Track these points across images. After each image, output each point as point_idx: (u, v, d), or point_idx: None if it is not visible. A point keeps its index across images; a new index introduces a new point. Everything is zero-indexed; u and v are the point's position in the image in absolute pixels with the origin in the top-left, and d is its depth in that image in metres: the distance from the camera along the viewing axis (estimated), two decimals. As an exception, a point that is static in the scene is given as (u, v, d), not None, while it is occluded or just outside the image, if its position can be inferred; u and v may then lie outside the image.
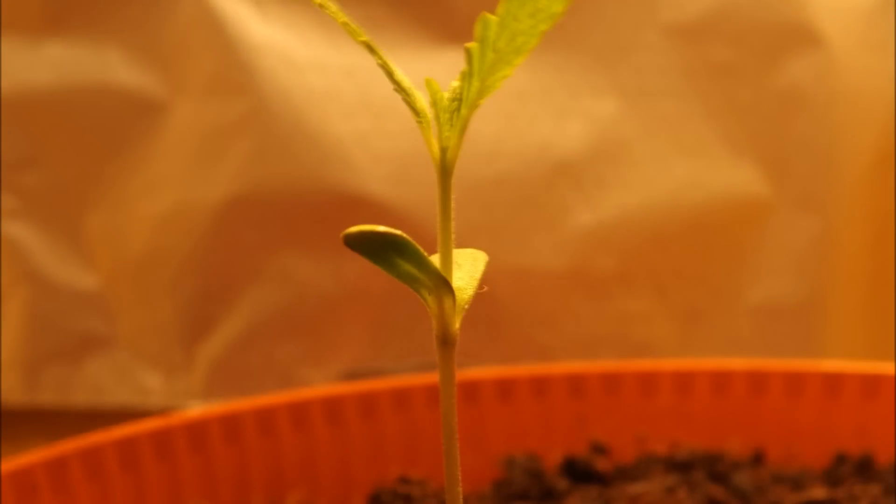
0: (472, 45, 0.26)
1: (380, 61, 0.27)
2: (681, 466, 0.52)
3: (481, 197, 0.69)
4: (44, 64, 0.69)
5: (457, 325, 0.27)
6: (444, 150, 0.28)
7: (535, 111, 0.70)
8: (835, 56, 0.70)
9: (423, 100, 0.28)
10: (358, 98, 0.69)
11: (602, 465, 0.53)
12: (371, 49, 0.27)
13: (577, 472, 0.52)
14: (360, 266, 0.69)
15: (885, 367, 0.54)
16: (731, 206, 0.71)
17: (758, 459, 0.54)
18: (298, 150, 0.68)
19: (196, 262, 0.70)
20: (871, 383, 0.53)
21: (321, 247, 0.69)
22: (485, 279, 0.29)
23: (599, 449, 0.54)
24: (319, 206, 0.69)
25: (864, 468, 0.52)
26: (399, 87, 0.28)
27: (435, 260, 0.27)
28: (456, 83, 0.27)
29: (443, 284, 0.27)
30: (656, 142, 0.70)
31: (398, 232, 0.26)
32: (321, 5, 0.28)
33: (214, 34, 0.68)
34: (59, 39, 0.69)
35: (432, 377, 0.53)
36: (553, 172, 0.70)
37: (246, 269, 0.70)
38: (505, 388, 0.54)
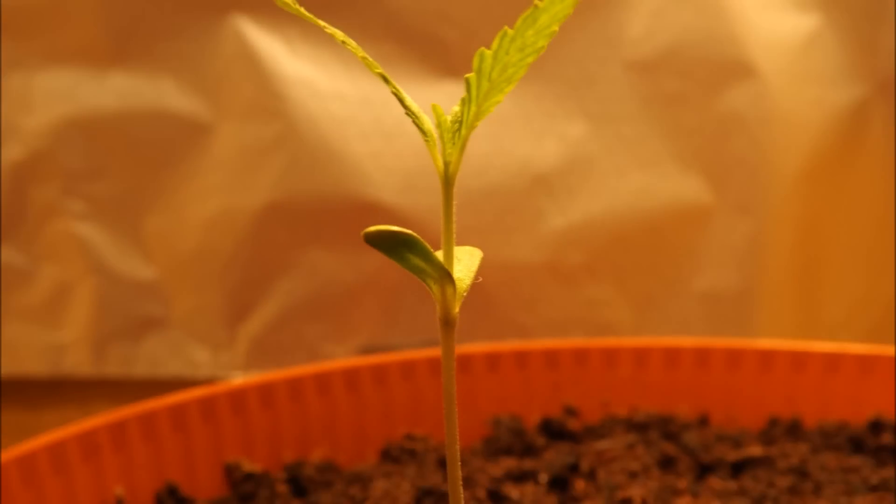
0: (470, 75, 0.26)
1: (393, 90, 0.27)
2: (639, 427, 0.51)
3: (473, 203, 0.69)
4: (109, 91, 0.68)
5: (457, 309, 0.27)
6: (447, 164, 0.27)
7: (517, 133, 0.69)
8: (767, 86, 0.69)
9: (429, 122, 0.28)
10: (372, 123, 0.68)
11: (573, 425, 0.52)
12: (385, 79, 0.27)
13: (553, 430, 0.51)
14: (374, 260, 0.69)
15: (810, 345, 0.53)
16: (679, 211, 0.70)
17: (703, 422, 0.53)
18: (323, 165, 0.68)
19: (238, 257, 0.70)
20: (799, 359, 0.53)
21: (342, 244, 0.69)
22: (476, 271, 0.28)
23: (571, 412, 0.53)
24: (340, 211, 0.68)
25: (794, 430, 0.51)
26: (409, 112, 0.27)
27: (439, 255, 0.27)
28: (457, 108, 0.27)
29: (445, 275, 0.26)
30: (617, 158, 0.70)
31: (409, 231, 0.25)
32: (343, 42, 0.28)
33: (252, 68, 0.68)
34: (122, 71, 0.68)
35: (434, 352, 0.52)
36: (532, 184, 0.69)
37: (279, 263, 0.70)
38: (492, 360, 0.53)
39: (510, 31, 0.26)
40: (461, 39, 0.67)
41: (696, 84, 0.69)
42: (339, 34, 0.27)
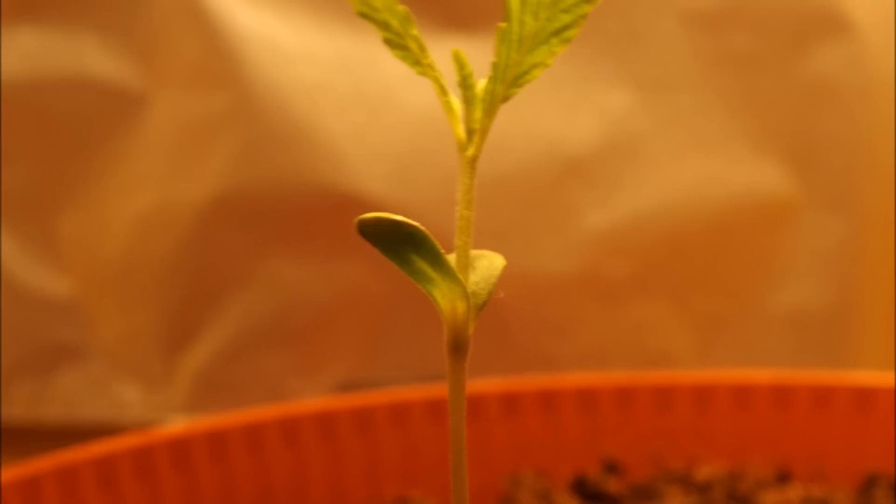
0: (502, 24, 0.26)
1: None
2: (699, 486, 0.52)
3: (485, 196, 0.68)
4: (13, 53, 0.68)
5: (470, 330, 0.27)
6: (470, 133, 0.27)
7: (543, 104, 0.70)
8: (866, 44, 0.70)
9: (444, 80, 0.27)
10: (351, 91, 0.69)
11: (614, 484, 0.52)
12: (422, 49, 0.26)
13: (588, 491, 0.52)
14: (354, 270, 0.69)
15: (919, 380, 0.54)
16: (753, 207, 0.71)
17: (782, 479, 0.54)
18: (287, 146, 0.68)
19: (178, 267, 0.70)
20: (905, 397, 0.53)
21: (312, 250, 0.69)
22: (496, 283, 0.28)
23: (612, 467, 0.54)
24: (310, 206, 0.69)
25: (898, 488, 0.52)
26: (423, 64, 0.27)
27: (450, 260, 0.26)
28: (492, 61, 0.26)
29: (458, 286, 0.26)
30: (673, 137, 0.70)
31: (417, 224, 0.25)
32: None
33: (197, 21, 0.68)
34: (30, 27, 0.68)
35: (433, 390, 0.53)
36: (563, 170, 0.70)
37: (232, 274, 0.70)
38: (511, 401, 0.54)
39: None
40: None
41: (774, 42, 0.69)
42: None
